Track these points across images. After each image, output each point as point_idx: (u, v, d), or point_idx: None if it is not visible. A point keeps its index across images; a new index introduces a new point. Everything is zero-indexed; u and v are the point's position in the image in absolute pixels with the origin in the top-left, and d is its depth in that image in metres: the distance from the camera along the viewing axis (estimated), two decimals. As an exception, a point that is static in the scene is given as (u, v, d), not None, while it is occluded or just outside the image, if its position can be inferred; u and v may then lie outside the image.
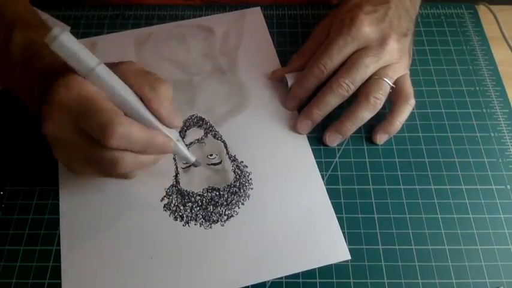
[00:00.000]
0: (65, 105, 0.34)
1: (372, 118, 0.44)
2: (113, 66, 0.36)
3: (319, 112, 0.45)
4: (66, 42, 0.33)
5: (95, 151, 0.35)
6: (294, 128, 0.46)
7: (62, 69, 0.35)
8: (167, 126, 0.37)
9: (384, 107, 0.45)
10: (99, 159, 0.36)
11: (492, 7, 0.54)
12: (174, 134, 0.39)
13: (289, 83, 0.47)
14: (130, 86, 0.36)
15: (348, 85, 0.43)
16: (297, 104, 0.47)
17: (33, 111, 0.38)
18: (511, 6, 0.56)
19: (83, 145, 0.35)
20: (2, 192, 0.43)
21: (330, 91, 0.44)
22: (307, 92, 0.46)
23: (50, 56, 0.37)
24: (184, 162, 0.44)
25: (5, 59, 0.40)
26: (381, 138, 0.45)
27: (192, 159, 0.40)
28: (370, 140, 0.46)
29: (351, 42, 0.43)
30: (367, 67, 0.43)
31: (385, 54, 0.43)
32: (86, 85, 0.35)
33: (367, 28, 0.43)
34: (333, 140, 0.45)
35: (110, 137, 0.33)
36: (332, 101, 0.44)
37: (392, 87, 0.44)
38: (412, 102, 0.45)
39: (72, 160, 0.38)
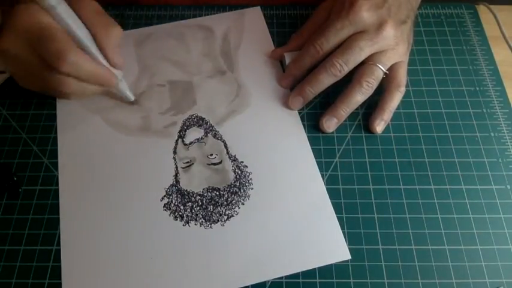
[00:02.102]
0: (24, 29, 0.39)
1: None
2: (75, 3, 0.41)
3: (311, 89, 0.46)
4: None
5: (45, 72, 0.40)
6: (286, 105, 0.48)
7: None
8: (111, 64, 0.43)
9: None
10: (48, 79, 0.41)
11: (492, 7, 0.54)
12: (118, 74, 0.45)
13: (287, 62, 0.49)
14: (86, 24, 0.41)
15: (342, 65, 0.44)
16: (291, 82, 0.49)
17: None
18: (511, 6, 0.56)
19: (35, 65, 0.40)
20: (16, 178, 0.43)
21: (323, 70, 0.45)
22: (302, 71, 0.48)
23: None
24: (185, 162, 0.44)
25: None
26: (379, 126, 0.46)
27: (132, 98, 0.47)
28: (371, 140, 0.46)
29: (348, 25, 0.44)
30: (362, 50, 0.44)
31: (380, 39, 0.44)
32: (46, 16, 0.40)
33: (365, 13, 0.44)
34: (329, 124, 0.46)
35: (61, 63, 0.38)
36: (325, 80, 0.45)
37: (385, 74, 0.45)
38: (402, 89, 0.46)
39: (21, 75, 0.43)
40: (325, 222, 0.41)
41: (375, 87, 0.45)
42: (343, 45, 0.45)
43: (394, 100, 0.46)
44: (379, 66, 0.45)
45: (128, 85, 0.47)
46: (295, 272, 0.39)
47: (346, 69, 0.45)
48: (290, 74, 0.48)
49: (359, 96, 0.45)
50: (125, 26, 0.54)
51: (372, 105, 0.47)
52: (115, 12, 0.55)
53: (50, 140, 0.46)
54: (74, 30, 0.40)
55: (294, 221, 0.41)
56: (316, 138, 0.46)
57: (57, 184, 0.43)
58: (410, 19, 0.47)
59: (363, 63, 0.45)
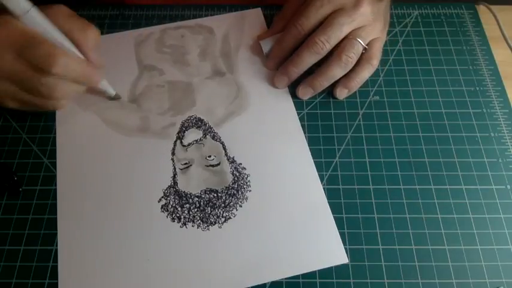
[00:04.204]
0: (8, 40, 0.39)
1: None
2: (44, 10, 0.40)
3: (295, 69, 0.47)
4: None
5: (35, 79, 0.40)
6: (272, 83, 0.49)
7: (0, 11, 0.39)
8: (94, 64, 0.43)
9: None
10: (38, 86, 0.40)
11: (492, 7, 0.54)
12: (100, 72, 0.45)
13: (264, 48, 0.50)
14: (62, 29, 0.40)
15: (323, 43, 0.45)
16: (277, 63, 0.50)
17: None
18: (511, 6, 0.56)
19: (22, 72, 0.39)
20: (16, 178, 0.43)
21: (305, 49, 0.46)
22: (285, 51, 0.49)
23: None
24: (183, 163, 0.44)
25: None
26: (341, 93, 0.48)
27: (113, 92, 0.47)
28: (371, 140, 0.46)
29: (327, 3, 0.46)
30: (342, 26, 0.45)
31: (358, 16, 0.45)
32: (24, 24, 0.39)
33: None
34: (304, 93, 0.48)
35: (53, 65, 0.39)
36: (307, 58, 0.46)
37: (365, 49, 0.46)
38: (374, 62, 0.47)
39: (6, 94, 0.42)
40: (323, 225, 0.41)
41: (354, 61, 0.46)
42: (324, 24, 0.46)
43: (363, 72, 0.47)
44: (359, 40, 0.46)
45: (129, 84, 0.48)
46: (293, 275, 0.38)
47: (329, 47, 0.46)
48: (275, 56, 0.49)
49: (338, 70, 0.46)
50: (125, 26, 0.54)
51: (372, 106, 0.47)
52: (115, 12, 0.56)
53: (50, 140, 0.46)
54: (52, 34, 0.40)
55: (291, 224, 0.41)
56: (316, 138, 0.46)
57: (56, 184, 0.43)
58: None
59: (343, 39, 0.46)
